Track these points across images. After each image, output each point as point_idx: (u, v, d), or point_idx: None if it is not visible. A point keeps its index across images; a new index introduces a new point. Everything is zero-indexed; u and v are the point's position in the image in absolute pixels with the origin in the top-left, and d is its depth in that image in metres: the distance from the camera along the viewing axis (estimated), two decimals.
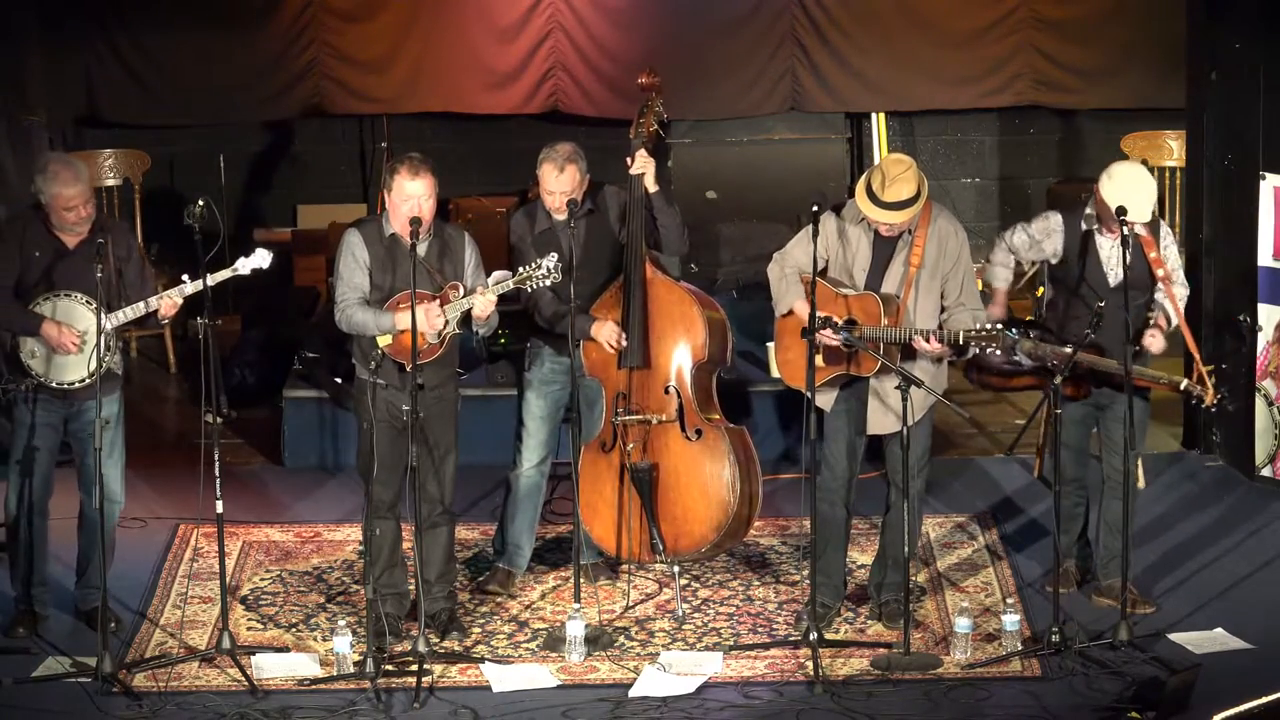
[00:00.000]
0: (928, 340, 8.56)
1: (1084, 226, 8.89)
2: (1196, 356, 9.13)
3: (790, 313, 8.82)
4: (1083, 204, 8.95)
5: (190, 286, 8.64)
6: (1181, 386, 8.86)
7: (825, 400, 8.78)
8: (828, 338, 8.59)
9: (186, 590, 9.31)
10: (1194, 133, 10.77)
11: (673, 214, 9.15)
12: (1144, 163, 10.16)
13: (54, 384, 8.65)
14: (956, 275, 8.70)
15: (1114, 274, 8.80)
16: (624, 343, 9.00)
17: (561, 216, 9.03)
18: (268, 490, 10.57)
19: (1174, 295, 8.85)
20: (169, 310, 8.67)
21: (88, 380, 8.62)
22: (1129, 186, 8.73)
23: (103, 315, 8.50)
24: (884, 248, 8.69)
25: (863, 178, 8.66)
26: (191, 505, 9.43)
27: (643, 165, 9.06)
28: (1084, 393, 8.95)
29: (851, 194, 8.84)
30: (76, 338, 8.62)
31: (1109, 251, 8.85)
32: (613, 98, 12.66)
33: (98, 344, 8.52)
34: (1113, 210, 8.64)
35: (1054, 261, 9.01)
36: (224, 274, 8.63)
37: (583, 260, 8.94)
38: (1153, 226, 8.88)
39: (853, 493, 8.92)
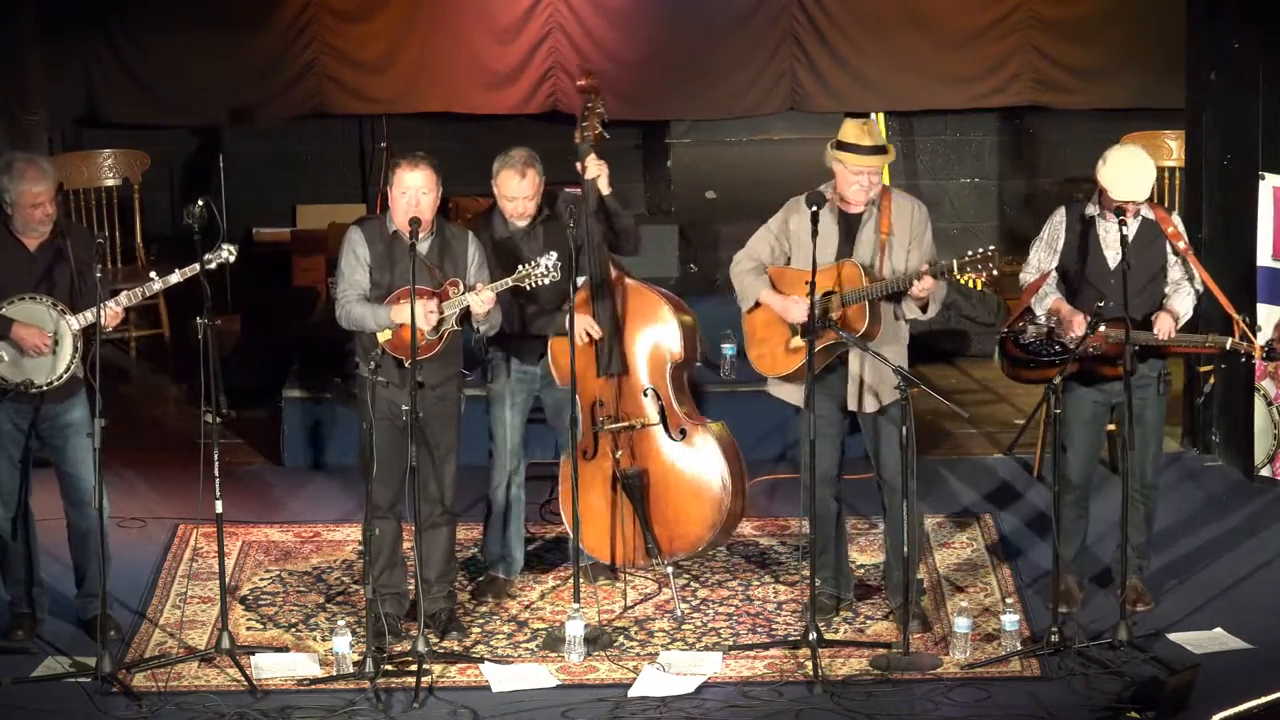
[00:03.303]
0: (920, 279, 8.55)
1: (1087, 214, 8.92)
2: (1234, 315, 9.06)
3: (758, 305, 8.85)
4: (1087, 197, 8.99)
5: (158, 284, 8.62)
6: (1228, 346, 8.84)
7: (798, 395, 8.78)
8: (826, 337, 8.61)
9: (186, 590, 9.31)
10: (1193, 133, 10.78)
11: (627, 216, 9.18)
12: None
13: (22, 387, 8.59)
14: (921, 244, 8.73)
15: (1114, 255, 8.82)
16: (598, 333, 8.98)
17: (522, 223, 9.02)
18: (267, 490, 10.56)
19: (1198, 264, 8.89)
20: (112, 320, 8.58)
21: (59, 382, 8.59)
22: (1126, 167, 8.76)
23: (69, 316, 8.51)
24: (849, 224, 8.71)
25: (830, 145, 8.68)
26: (191, 505, 9.42)
27: (596, 169, 9.08)
28: (1115, 373, 8.87)
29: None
30: (48, 338, 8.59)
31: (1113, 235, 8.85)
32: (612, 98, 12.62)
33: (93, 342, 8.51)
34: (1111, 195, 8.71)
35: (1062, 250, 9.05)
36: (190, 270, 8.59)
37: None
38: (1165, 210, 9.00)
39: (838, 485, 8.92)
